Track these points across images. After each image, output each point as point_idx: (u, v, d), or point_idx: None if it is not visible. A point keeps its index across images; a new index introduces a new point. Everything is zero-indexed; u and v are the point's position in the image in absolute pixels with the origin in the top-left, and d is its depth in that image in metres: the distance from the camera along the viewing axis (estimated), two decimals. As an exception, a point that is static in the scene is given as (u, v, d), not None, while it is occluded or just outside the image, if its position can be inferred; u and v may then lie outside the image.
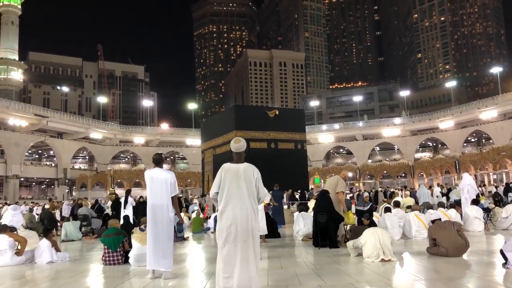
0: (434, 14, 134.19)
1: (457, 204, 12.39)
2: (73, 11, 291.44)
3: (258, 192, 4.34)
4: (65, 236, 12.08)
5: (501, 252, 5.70)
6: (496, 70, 63.90)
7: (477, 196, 17.60)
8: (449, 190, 21.23)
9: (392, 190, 23.67)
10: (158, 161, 6.06)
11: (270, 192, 11.83)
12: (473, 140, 60.67)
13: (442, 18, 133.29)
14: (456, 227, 7.00)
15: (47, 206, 18.74)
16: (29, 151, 54.20)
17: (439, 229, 7.02)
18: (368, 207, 9.94)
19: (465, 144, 59.40)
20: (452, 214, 10.41)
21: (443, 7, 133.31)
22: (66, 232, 12.13)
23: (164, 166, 8.92)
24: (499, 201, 17.42)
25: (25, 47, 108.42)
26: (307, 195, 20.27)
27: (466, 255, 6.82)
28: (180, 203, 15.13)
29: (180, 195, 26.08)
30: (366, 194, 10.12)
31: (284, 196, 18.05)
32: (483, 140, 59.11)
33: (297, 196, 20.27)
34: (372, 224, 9.15)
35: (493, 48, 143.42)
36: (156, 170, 5.94)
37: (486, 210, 12.05)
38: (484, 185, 31.43)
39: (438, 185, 23.93)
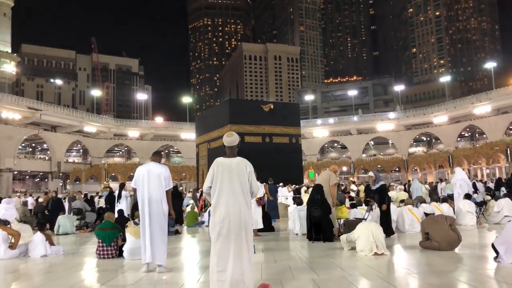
0: (429, 8, 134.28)
1: (450, 198, 12.48)
2: (67, 3, 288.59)
3: (251, 186, 4.36)
4: (58, 230, 12.03)
5: (493, 246, 5.76)
6: (490, 65, 64.05)
7: (493, 190, 17.55)
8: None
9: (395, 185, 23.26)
10: (158, 154, 6.30)
11: (263, 184, 11.74)
12: (466, 135, 60.99)
13: (437, 13, 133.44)
14: (449, 221, 7.06)
15: (40, 200, 18.65)
16: (23, 144, 53.81)
17: (432, 223, 7.07)
18: (378, 186, 8.89)
19: (458, 139, 59.69)
20: (444, 209, 10.49)
21: (438, 2, 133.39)
22: (60, 225, 12.08)
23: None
24: (492, 195, 17.53)
25: (18, 39, 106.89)
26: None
27: (458, 249, 6.88)
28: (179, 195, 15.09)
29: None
30: (371, 173, 9.52)
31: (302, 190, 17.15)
32: (477, 135, 59.43)
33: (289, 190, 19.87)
34: (385, 212, 8.68)
35: (487, 43, 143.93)
36: (152, 164, 5.96)
37: (479, 204, 12.14)
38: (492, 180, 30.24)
39: (442, 180, 23.81)
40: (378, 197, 8.81)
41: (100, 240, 7.20)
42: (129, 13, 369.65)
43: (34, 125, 50.74)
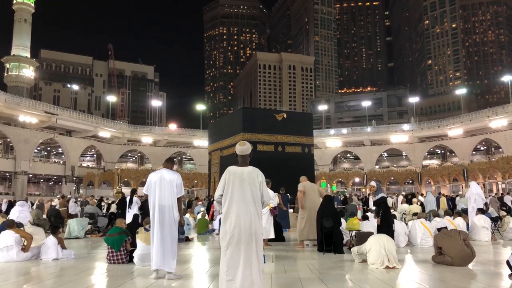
0: (446, 21, 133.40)
1: (464, 213, 12.28)
2: (85, 10, 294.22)
3: (262, 196, 4.35)
4: (68, 234, 12.07)
5: (508, 262, 5.64)
6: (507, 78, 63.23)
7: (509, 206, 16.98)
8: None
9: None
10: (171, 161, 6.34)
11: (277, 194, 11.70)
12: (482, 148, 60.13)
13: (454, 25, 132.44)
14: (463, 236, 6.95)
15: (53, 203, 18.85)
16: (38, 148, 54.65)
17: (445, 238, 6.96)
18: (377, 197, 8.82)
19: (474, 153, 58.87)
20: (459, 223, 10.32)
21: (455, 14, 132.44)
22: (70, 229, 12.14)
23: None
24: (507, 211, 17.20)
25: (37, 44, 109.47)
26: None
27: (472, 265, 6.76)
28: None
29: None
30: (373, 183, 9.67)
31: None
32: (493, 149, 58.57)
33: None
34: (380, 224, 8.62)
35: (504, 56, 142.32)
36: (164, 171, 5.99)
37: (494, 220, 11.91)
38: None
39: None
40: (377, 209, 8.90)
41: (109, 246, 7.25)
42: (146, 20, 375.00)
43: (50, 129, 51.53)
